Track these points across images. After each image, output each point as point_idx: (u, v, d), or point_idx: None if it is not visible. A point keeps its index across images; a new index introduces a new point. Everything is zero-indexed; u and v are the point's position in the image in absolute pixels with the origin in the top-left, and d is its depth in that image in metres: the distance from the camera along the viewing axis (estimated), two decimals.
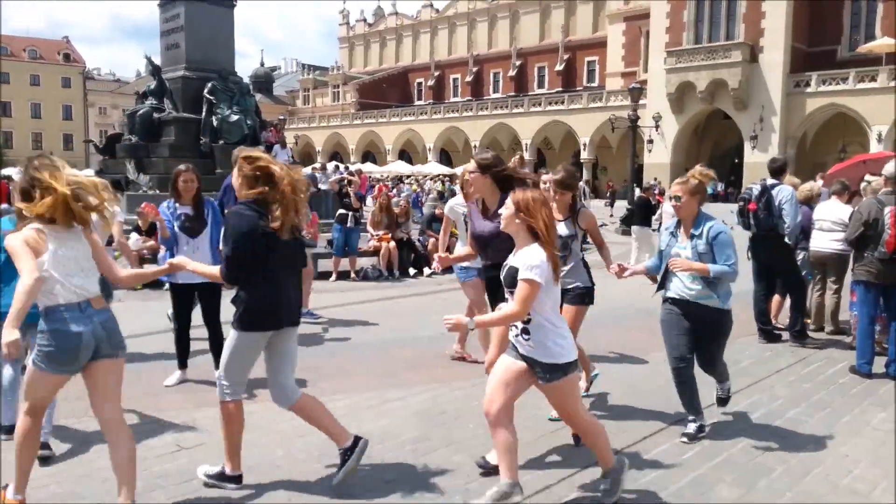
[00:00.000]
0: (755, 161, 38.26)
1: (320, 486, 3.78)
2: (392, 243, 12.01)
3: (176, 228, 5.34)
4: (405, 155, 62.50)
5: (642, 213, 13.94)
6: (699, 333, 4.46)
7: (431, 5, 70.56)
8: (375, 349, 7.01)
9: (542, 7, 61.26)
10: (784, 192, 7.02)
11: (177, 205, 5.42)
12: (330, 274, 11.53)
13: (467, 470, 3.97)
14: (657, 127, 40.93)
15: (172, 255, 5.12)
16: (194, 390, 5.48)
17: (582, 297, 4.89)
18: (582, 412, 3.59)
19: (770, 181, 7.23)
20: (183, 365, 5.65)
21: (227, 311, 6.00)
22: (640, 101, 29.80)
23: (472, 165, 4.34)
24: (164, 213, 5.30)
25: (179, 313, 5.56)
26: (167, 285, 10.57)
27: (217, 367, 5.68)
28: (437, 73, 69.23)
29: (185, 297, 5.52)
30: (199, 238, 5.42)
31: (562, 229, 4.64)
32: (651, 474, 3.96)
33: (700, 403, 4.55)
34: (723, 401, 4.84)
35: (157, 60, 19.53)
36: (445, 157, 59.55)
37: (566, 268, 4.68)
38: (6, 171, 20.68)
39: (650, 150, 43.20)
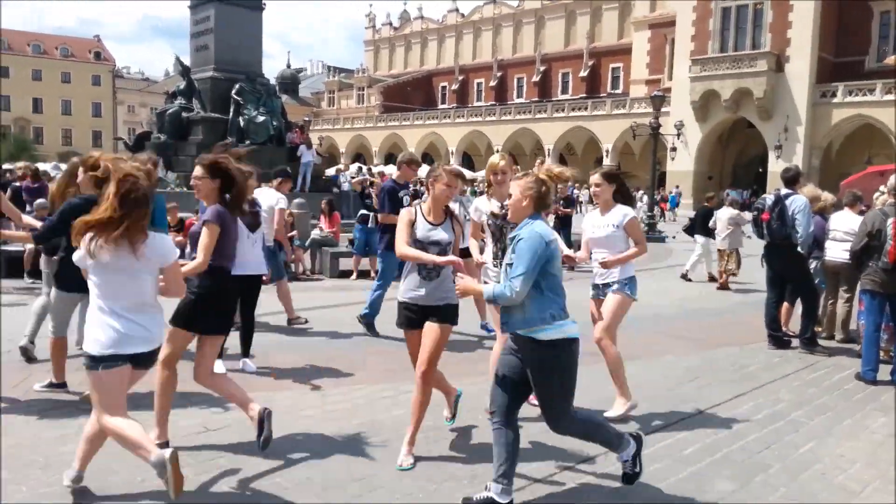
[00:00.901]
0: (780, 171, 37.98)
1: (343, 468, 4.01)
2: None
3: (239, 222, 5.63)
4: (428, 158, 62.70)
5: (705, 223, 12.85)
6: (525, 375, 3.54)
7: (457, 10, 70.89)
8: (392, 345, 7.22)
9: (567, 13, 61.33)
10: (797, 202, 7.16)
11: None
12: (350, 272, 11.80)
13: (478, 457, 4.18)
14: (679, 135, 40.83)
15: None
16: None
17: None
18: None
19: (784, 191, 7.38)
20: (219, 355, 5.93)
21: (262, 305, 6.35)
22: (664, 109, 29.86)
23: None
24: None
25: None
26: None
27: (245, 354, 6.01)
28: (461, 78, 69.50)
29: (232, 291, 5.78)
30: (257, 232, 5.81)
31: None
32: (652, 467, 4.14)
33: (513, 473, 3.56)
34: (628, 477, 3.72)
35: (187, 61, 20.01)
36: (468, 161, 59.76)
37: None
38: (42, 167, 21.22)
39: (673, 158, 43.10)
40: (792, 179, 7.40)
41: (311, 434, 4.51)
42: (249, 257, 5.72)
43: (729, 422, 5.02)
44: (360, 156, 66.09)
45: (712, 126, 43.93)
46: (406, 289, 4.23)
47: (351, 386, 5.63)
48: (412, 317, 4.23)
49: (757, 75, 40.77)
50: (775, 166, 40.35)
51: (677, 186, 42.66)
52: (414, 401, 4.15)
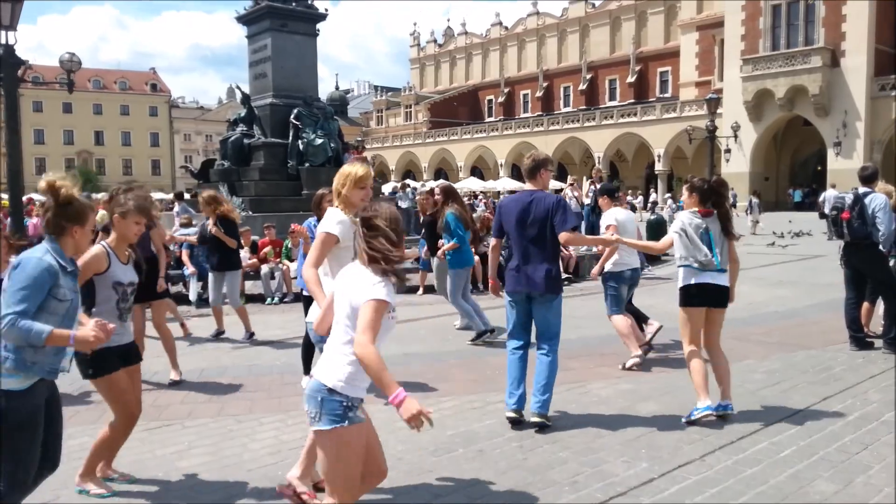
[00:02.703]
0: (839, 168, 37.07)
1: (447, 477, 4.16)
2: (476, 257, 12.36)
3: None
4: (477, 171, 63.07)
5: None
6: None
7: (500, 23, 71.25)
8: (471, 357, 7.40)
9: (612, 20, 61.07)
10: (877, 200, 7.09)
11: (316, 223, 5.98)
12: (417, 288, 11.99)
13: (573, 466, 4.27)
14: (736, 137, 40.16)
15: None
16: None
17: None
18: None
19: (862, 189, 7.30)
20: (308, 371, 6.15)
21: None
22: (717, 111, 29.44)
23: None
24: (309, 230, 5.83)
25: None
26: (274, 298, 11.24)
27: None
28: (506, 90, 69.73)
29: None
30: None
31: None
32: (749, 470, 4.17)
33: None
34: None
35: (245, 90, 20.65)
36: (517, 173, 59.78)
37: None
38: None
39: (727, 160, 42.36)
40: (870, 177, 7.32)
41: (408, 446, 4.67)
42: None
43: (822, 424, 4.99)
44: (410, 172, 66.74)
45: (767, 126, 43.08)
46: None
47: (438, 398, 5.78)
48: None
49: (811, 72, 39.88)
50: (834, 163, 39.34)
51: (731, 189, 41.89)
52: None
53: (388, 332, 2.86)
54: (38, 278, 2.98)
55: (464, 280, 8.52)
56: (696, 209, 5.19)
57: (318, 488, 3.73)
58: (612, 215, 7.03)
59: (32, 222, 15.50)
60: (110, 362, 3.84)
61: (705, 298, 5.11)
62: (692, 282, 5.11)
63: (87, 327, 3.08)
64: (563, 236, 5.06)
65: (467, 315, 8.23)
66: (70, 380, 4.32)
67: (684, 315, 5.21)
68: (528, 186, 5.31)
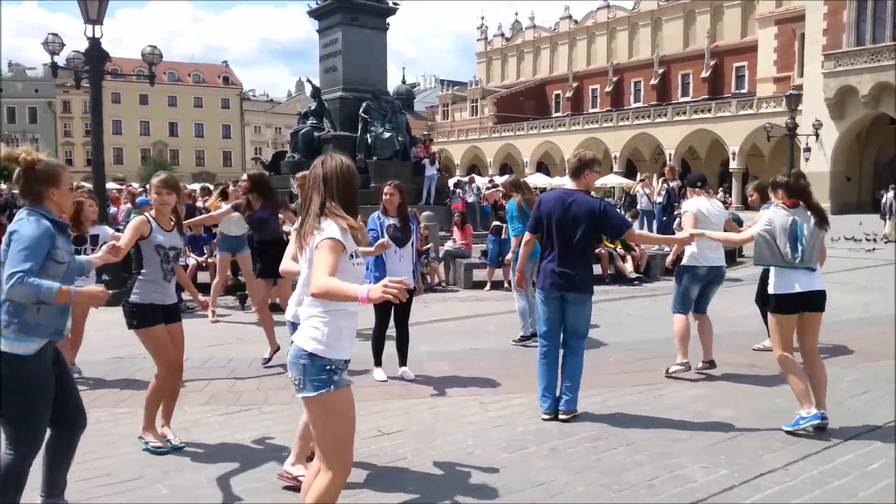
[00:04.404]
0: None
1: (519, 473, 4.12)
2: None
3: (386, 238, 5.90)
4: (543, 167, 62.59)
5: None
6: None
7: (570, 17, 70.37)
8: (536, 354, 7.31)
9: (686, 13, 59.53)
10: None
11: (384, 217, 6.01)
12: (485, 283, 11.96)
13: (649, 470, 4.17)
14: (817, 135, 38.62)
15: (378, 263, 5.81)
16: (387, 385, 6.04)
17: None
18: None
19: None
20: (379, 363, 6.21)
21: (414, 315, 6.61)
22: (797, 108, 28.36)
23: None
24: (372, 224, 5.88)
25: (380, 316, 6.12)
26: None
27: (402, 363, 6.25)
28: (575, 84, 68.85)
29: (386, 303, 6.04)
30: (405, 247, 5.99)
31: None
32: (837, 482, 3.99)
33: None
34: None
35: (316, 83, 20.98)
36: None
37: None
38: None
39: (807, 159, 40.75)
40: None
41: (478, 441, 4.65)
42: (395, 271, 5.80)
43: None
44: (475, 167, 66.70)
45: (849, 124, 41.25)
46: None
47: (508, 394, 5.75)
48: None
49: None
50: None
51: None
52: None
53: (355, 277, 2.83)
54: (39, 238, 3.01)
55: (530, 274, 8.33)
56: (782, 202, 4.96)
57: (310, 458, 3.67)
58: (693, 205, 6.47)
59: (121, 209, 16.05)
60: (153, 317, 4.39)
61: (797, 304, 4.86)
62: (782, 291, 4.84)
63: (90, 285, 3.40)
64: (631, 236, 5.11)
65: (521, 314, 7.86)
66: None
67: (774, 320, 4.97)
68: (570, 185, 5.23)
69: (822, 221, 4.89)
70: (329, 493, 2.82)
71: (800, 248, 4.78)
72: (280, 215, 7.26)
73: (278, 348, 6.54)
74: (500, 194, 9.91)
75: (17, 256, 2.95)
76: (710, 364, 6.45)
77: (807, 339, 5.00)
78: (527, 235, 5.43)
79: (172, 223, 4.57)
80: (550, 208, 5.10)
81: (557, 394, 5.13)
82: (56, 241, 3.09)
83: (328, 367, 2.77)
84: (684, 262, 6.46)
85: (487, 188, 22.31)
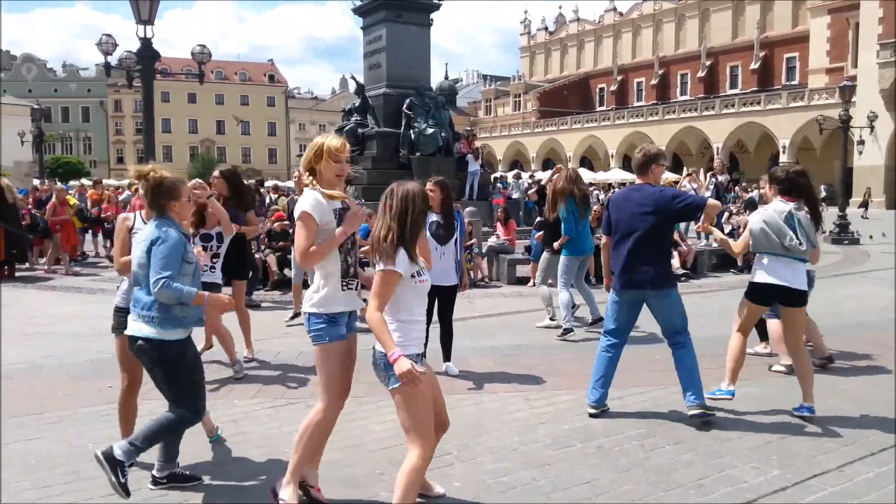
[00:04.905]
0: None
1: (565, 471, 4.10)
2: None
3: (428, 235, 5.92)
4: (586, 161, 61.99)
5: None
6: None
7: (615, 9, 69.52)
8: (583, 351, 7.25)
9: (734, 3, 58.32)
10: None
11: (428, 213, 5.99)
12: (527, 279, 11.90)
13: (699, 469, 4.11)
14: (872, 128, 37.45)
15: None
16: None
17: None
18: None
19: None
20: (449, 357, 6.24)
21: (458, 310, 6.61)
22: (851, 99, 27.54)
23: None
24: None
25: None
26: None
27: (447, 358, 6.27)
28: (619, 78, 68.05)
29: (428, 298, 6.05)
30: (447, 245, 5.97)
31: None
32: (894, 485, 3.88)
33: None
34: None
35: (360, 79, 21.10)
36: (629, 164, 58.28)
37: None
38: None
39: (860, 153, 39.59)
40: None
41: (524, 438, 4.64)
42: (435, 268, 5.72)
43: None
44: (518, 162, 66.45)
45: None
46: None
47: (552, 391, 5.71)
48: None
49: None
50: None
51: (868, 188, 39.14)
52: None
53: (417, 294, 3.31)
54: (175, 247, 3.58)
55: (575, 267, 8.30)
56: (780, 197, 5.16)
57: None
58: (760, 218, 6.56)
59: None
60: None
61: (771, 297, 5.14)
62: (759, 280, 5.11)
63: (217, 294, 3.96)
64: (711, 207, 4.98)
65: (564, 306, 7.97)
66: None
67: (744, 302, 5.32)
68: (638, 181, 5.13)
69: (817, 220, 5.11)
70: (417, 469, 3.17)
71: (797, 236, 4.97)
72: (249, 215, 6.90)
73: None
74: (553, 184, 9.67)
75: (159, 263, 3.53)
76: (829, 359, 6.50)
77: (789, 336, 5.22)
78: (604, 238, 5.34)
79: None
80: (621, 206, 5.02)
81: (605, 391, 5.09)
82: (186, 246, 3.69)
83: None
84: None
85: (529, 185, 22.18)
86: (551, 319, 8.36)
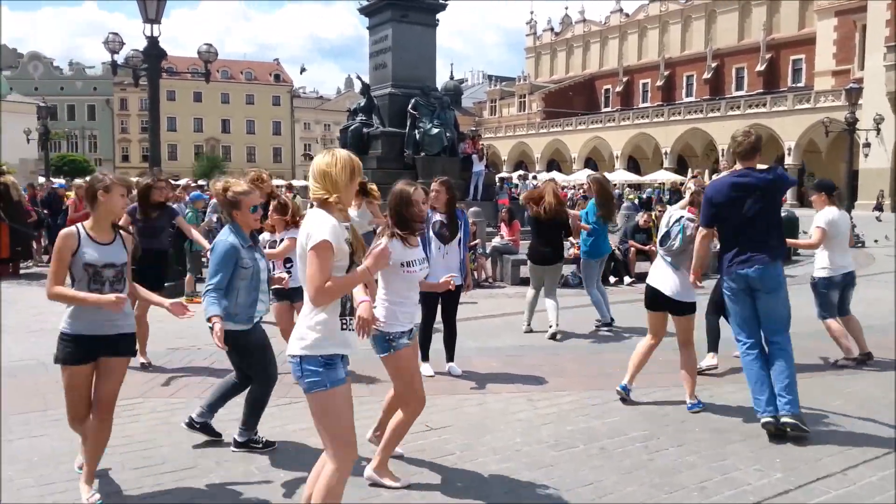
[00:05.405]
0: None
1: (569, 472, 4.10)
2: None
3: (431, 234, 5.92)
4: (591, 163, 61.88)
5: None
6: None
7: (621, 10, 69.42)
8: (587, 352, 7.26)
9: (741, 5, 58.16)
10: None
11: (432, 213, 5.98)
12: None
13: (703, 471, 4.10)
14: (878, 130, 37.32)
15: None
16: (434, 381, 6.03)
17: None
18: None
19: None
20: (426, 357, 6.23)
21: (462, 312, 6.60)
22: (857, 102, 27.47)
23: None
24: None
25: (427, 311, 6.14)
26: None
27: (450, 359, 6.27)
28: (625, 79, 67.93)
29: (432, 299, 6.06)
30: (451, 245, 5.97)
31: None
32: (879, 497, 3.86)
33: None
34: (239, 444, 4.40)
35: (366, 79, 21.12)
36: (633, 165, 58.24)
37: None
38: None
39: (867, 155, 39.44)
40: None
41: (527, 438, 4.63)
42: (438, 267, 5.66)
43: None
44: (522, 163, 66.40)
45: None
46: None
47: (556, 392, 5.71)
48: None
49: None
50: None
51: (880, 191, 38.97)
52: None
53: (406, 281, 3.83)
54: (225, 256, 4.06)
55: (598, 268, 8.77)
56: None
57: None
58: (825, 217, 6.53)
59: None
60: (76, 352, 3.63)
61: (653, 302, 5.39)
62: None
63: (219, 325, 3.99)
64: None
65: (596, 304, 8.51)
66: None
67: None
68: (738, 167, 4.88)
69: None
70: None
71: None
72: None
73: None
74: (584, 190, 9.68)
75: (210, 271, 4.12)
76: (868, 356, 6.63)
77: (678, 333, 5.41)
78: (703, 230, 5.00)
79: (114, 234, 3.73)
80: (727, 195, 4.77)
81: (768, 395, 4.70)
82: (240, 252, 4.10)
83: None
84: (819, 273, 6.73)
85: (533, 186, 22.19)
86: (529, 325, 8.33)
